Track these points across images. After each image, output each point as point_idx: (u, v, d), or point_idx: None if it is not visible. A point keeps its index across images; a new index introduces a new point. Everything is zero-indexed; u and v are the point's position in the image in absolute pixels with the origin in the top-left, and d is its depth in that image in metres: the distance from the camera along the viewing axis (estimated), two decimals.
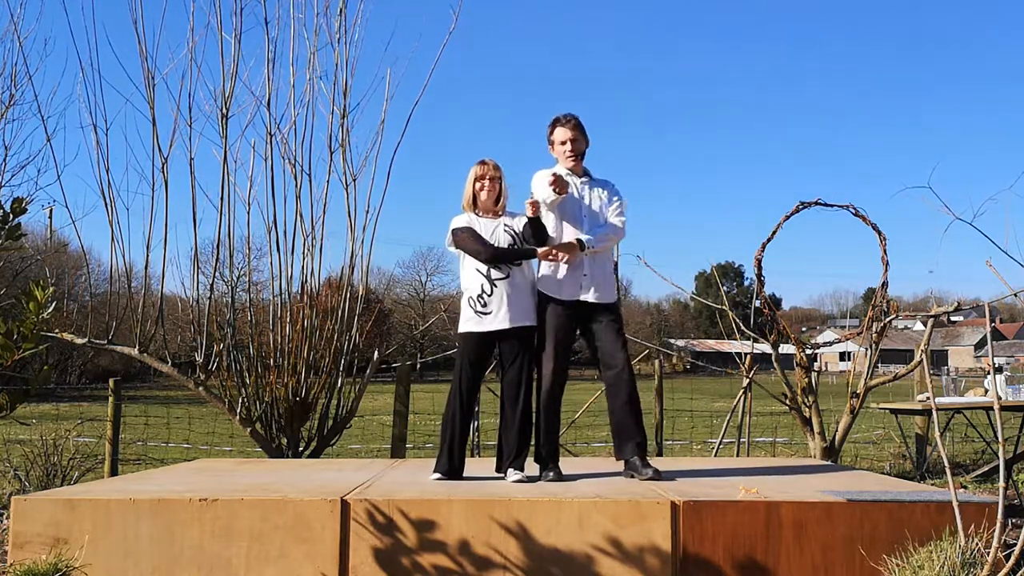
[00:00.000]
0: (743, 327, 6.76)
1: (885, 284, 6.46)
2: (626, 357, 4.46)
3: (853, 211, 6.37)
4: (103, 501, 3.65)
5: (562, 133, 4.56)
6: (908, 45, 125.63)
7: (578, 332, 4.58)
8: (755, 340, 6.78)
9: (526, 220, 4.42)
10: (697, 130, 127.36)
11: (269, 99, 6.25)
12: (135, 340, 6.08)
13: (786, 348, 6.64)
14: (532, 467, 4.44)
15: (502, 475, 4.36)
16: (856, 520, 3.58)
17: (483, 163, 4.54)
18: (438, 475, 4.35)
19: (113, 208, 6.06)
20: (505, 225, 4.49)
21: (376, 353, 6.74)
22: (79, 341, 6.14)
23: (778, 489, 3.90)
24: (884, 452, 9.47)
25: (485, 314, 4.38)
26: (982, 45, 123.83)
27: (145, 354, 6.09)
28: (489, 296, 4.39)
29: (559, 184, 4.29)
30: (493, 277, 4.39)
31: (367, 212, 6.33)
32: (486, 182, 4.50)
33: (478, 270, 4.43)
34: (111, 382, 7.10)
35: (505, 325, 4.37)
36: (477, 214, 4.51)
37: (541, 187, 4.38)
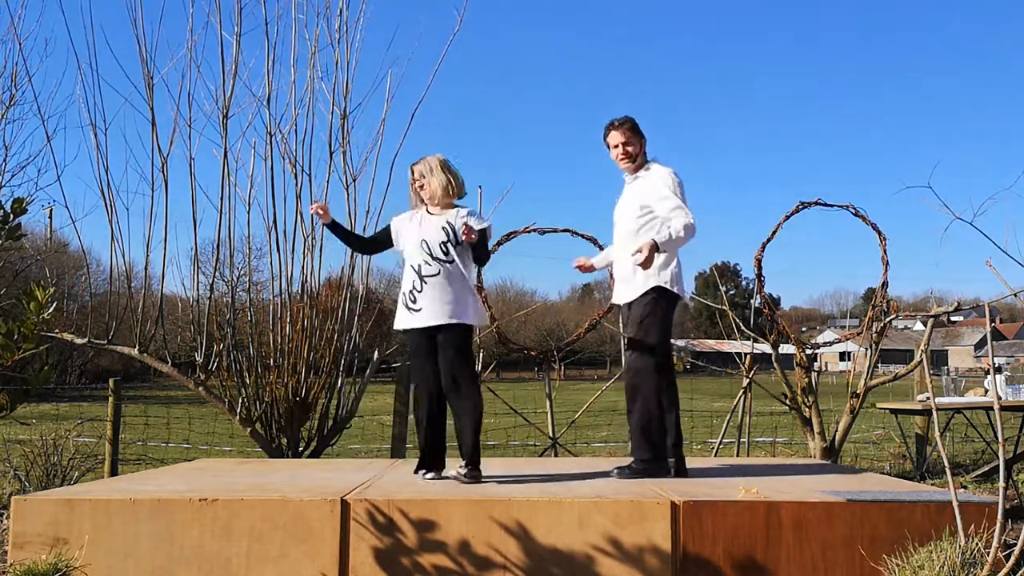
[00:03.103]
0: (743, 327, 6.76)
1: (885, 284, 6.47)
2: (634, 359, 4.45)
3: (853, 211, 6.38)
4: (103, 501, 3.64)
5: (614, 137, 4.59)
6: (907, 44, 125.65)
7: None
8: (755, 340, 6.78)
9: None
10: (695, 129, 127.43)
11: (269, 99, 6.25)
12: (135, 340, 6.07)
13: (786, 348, 6.65)
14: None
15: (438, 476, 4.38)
16: (856, 520, 3.58)
17: (411, 170, 4.59)
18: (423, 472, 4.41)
19: (113, 208, 6.06)
20: (447, 221, 4.46)
21: (376, 353, 6.74)
22: (79, 341, 6.13)
23: (778, 489, 3.90)
24: (884, 452, 9.47)
25: (416, 311, 4.38)
26: (983, 44, 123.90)
27: (145, 354, 6.09)
28: (419, 293, 4.39)
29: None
30: (424, 274, 4.41)
31: (367, 212, 6.34)
32: (417, 186, 4.57)
33: (411, 266, 4.45)
34: (111, 382, 7.10)
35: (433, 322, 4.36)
36: (428, 212, 4.54)
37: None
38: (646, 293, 4.41)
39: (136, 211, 6.22)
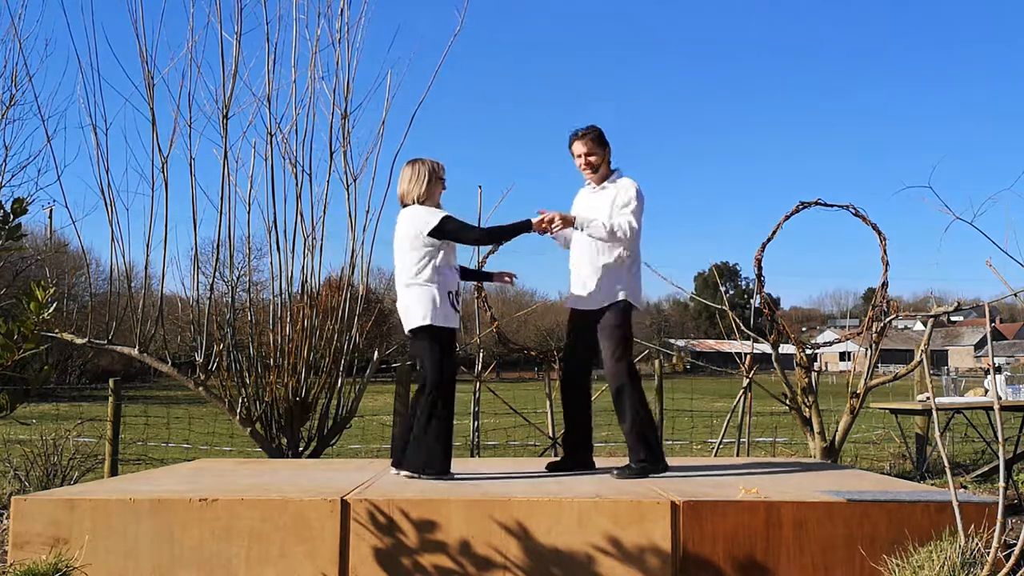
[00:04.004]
0: (743, 327, 6.75)
1: (885, 284, 6.46)
2: (612, 367, 4.52)
3: (853, 211, 6.37)
4: (103, 501, 3.64)
5: (577, 147, 4.65)
6: (907, 43, 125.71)
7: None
8: (755, 340, 6.78)
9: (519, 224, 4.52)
10: (694, 129, 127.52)
11: (270, 99, 6.25)
12: (135, 340, 6.07)
13: (786, 348, 6.64)
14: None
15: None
16: (856, 520, 3.58)
17: (442, 165, 4.62)
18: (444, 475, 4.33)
19: (113, 208, 6.05)
20: None
21: (376, 353, 6.74)
22: (79, 341, 6.13)
23: (778, 489, 3.90)
24: (884, 452, 9.47)
25: (457, 313, 4.49)
26: (982, 43, 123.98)
27: (145, 354, 6.09)
28: (456, 296, 4.50)
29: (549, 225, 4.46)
30: (459, 280, 4.56)
31: (367, 212, 6.33)
32: (444, 183, 4.62)
33: (454, 268, 4.51)
34: (111, 382, 7.10)
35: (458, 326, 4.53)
36: None
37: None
38: (615, 304, 4.52)
39: (136, 211, 6.23)
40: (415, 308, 4.38)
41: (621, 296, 4.51)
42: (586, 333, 4.61)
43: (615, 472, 4.41)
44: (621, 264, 4.54)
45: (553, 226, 4.43)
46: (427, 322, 4.35)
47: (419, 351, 4.43)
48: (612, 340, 4.49)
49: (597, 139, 4.62)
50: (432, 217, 4.41)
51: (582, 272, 4.63)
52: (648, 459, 4.40)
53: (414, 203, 4.50)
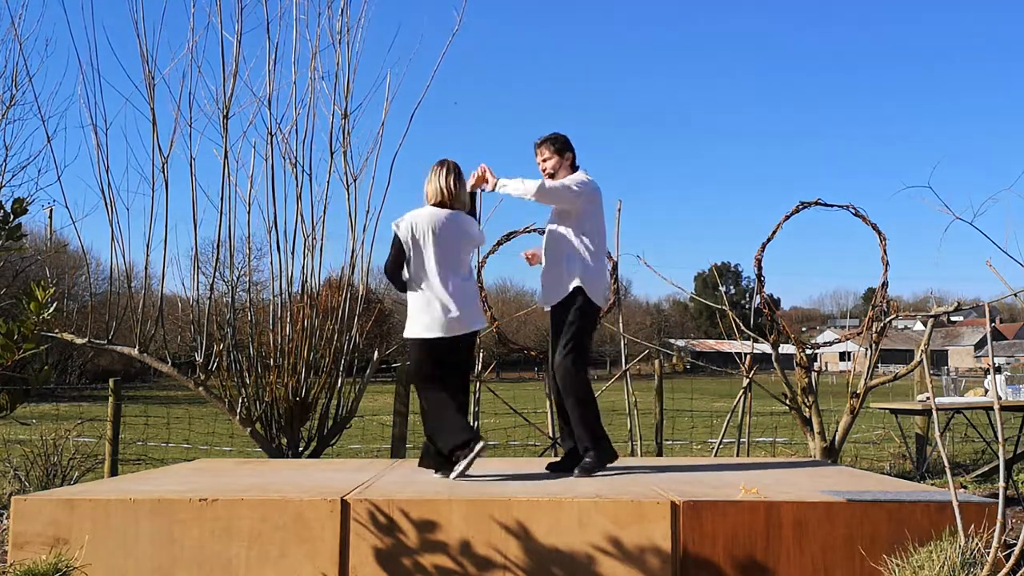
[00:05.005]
0: (743, 327, 6.75)
1: (885, 284, 6.46)
2: (562, 359, 4.62)
3: (853, 211, 6.37)
4: (103, 501, 3.65)
5: (538, 155, 4.85)
6: (906, 43, 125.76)
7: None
8: (755, 340, 6.78)
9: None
10: (697, 129, 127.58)
11: (270, 99, 6.25)
12: (135, 340, 6.08)
13: (786, 348, 6.64)
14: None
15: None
16: (856, 520, 3.58)
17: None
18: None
19: (113, 208, 6.06)
20: None
21: (376, 353, 6.74)
22: (79, 341, 6.13)
23: (778, 489, 3.90)
24: (884, 452, 9.47)
25: None
26: (983, 42, 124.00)
27: (145, 354, 6.09)
28: None
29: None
30: None
31: (367, 212, 6.34)
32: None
33: None
34: (111, 382, 7.10)
35: None
36: None
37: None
38: (569, 297, 4.61)
39: (136, 211, 6.23)
40: (477, 308, 4.63)
41: (574, 290, 4.59)
42: (559, 331, 4.69)
43: (576, 472, 4.47)
44: (578, 260, 4.62)
45: (484, 178, 4.62)
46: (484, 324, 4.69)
47: (473, 347, 4.66)
48: (565, 334, 4.61)
49: (554, 147, 4.77)
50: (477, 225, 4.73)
51: (545, 271, 4.76)
52: (595, 448, 4.52)
53: (457, 206, 4.58)
